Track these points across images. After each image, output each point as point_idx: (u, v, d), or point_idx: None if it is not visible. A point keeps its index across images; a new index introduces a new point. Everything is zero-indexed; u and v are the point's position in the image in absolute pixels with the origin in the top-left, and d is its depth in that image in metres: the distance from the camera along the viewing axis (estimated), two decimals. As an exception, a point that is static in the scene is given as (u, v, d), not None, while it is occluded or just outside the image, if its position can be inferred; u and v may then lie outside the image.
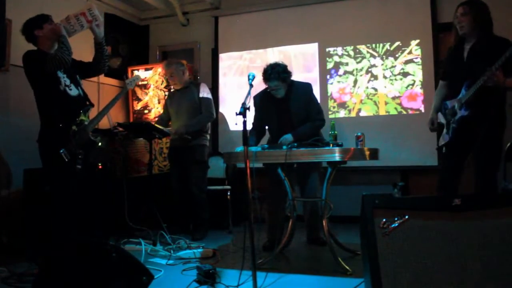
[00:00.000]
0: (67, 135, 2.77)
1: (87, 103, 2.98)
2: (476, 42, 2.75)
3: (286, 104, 3.39)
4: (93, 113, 3.08)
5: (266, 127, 3.62)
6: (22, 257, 3.00)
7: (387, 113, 4.68)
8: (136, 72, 5.36)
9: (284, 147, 2.88)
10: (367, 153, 2.94)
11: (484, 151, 2.69)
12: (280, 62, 3.36)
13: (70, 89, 2.87)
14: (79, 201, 2.81)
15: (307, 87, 3.47)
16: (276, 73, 3.24)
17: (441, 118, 2.98)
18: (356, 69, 4.88)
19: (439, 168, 3.02)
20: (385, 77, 4.76)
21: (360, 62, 4.87)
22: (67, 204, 2.76)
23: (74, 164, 2.74)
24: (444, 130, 2.93)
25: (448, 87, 2.99)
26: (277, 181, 3.18)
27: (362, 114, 4.83)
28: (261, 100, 3.50)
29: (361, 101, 4.85)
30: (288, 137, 3.20)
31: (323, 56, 4.92)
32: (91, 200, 3.45)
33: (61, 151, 2.71)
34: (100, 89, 5.09)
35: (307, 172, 3.43)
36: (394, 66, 4.71)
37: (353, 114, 4.85)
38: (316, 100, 3.54)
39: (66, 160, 2.72)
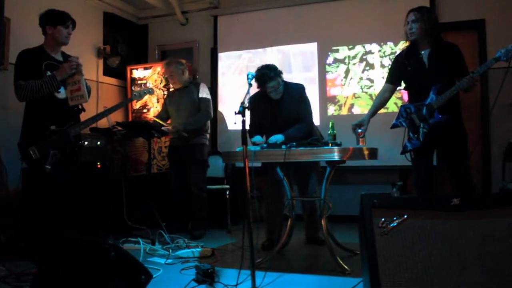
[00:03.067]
0: (42, 134, 2.78)
1: (75, 108, 2.99)
2: (434, 49, 2.84)
3: (279, 105, 3.38)
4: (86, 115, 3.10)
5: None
6: (20, 256, 3.00)
7: (386, 109, 4.43)
8: (135, 72, 5.35)
9: (283, 146, 2.88)
10: (366, 152, 2.94)
11: (460, 152, 2.79)
12: (269, 63, 3.39)
13: (59, 92, 2.90)
14: (55, 201, 2.80)
15: (300, 88, 3.46)
16: (273, 70, 3.26)
17: (403, 122, 2.94)
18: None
19: (416, 174, 3.00)
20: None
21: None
22: (35, 202, 2.79)
23: (43, 164, 2.72)
24: (410, 135, 2.89)
25: (410, 92, 3.02)
26: (276, 180, 3.17)
27: (355, 110, 4.48)
28: (255, 101, 3.50)
29: (354, 95, 4.51)
30: (280, 137, 3.17)
31: (322, 56, 4.88)
32: (89, 199, 3.45)
33: (30, 148, 2.73)
34: (99, 88, 5.09)
35: (306, 172, 3.42)
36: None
37: (344, 111, 4.58)
38: (307, 102, 3.45)
39: (34, 157, 2.73)
